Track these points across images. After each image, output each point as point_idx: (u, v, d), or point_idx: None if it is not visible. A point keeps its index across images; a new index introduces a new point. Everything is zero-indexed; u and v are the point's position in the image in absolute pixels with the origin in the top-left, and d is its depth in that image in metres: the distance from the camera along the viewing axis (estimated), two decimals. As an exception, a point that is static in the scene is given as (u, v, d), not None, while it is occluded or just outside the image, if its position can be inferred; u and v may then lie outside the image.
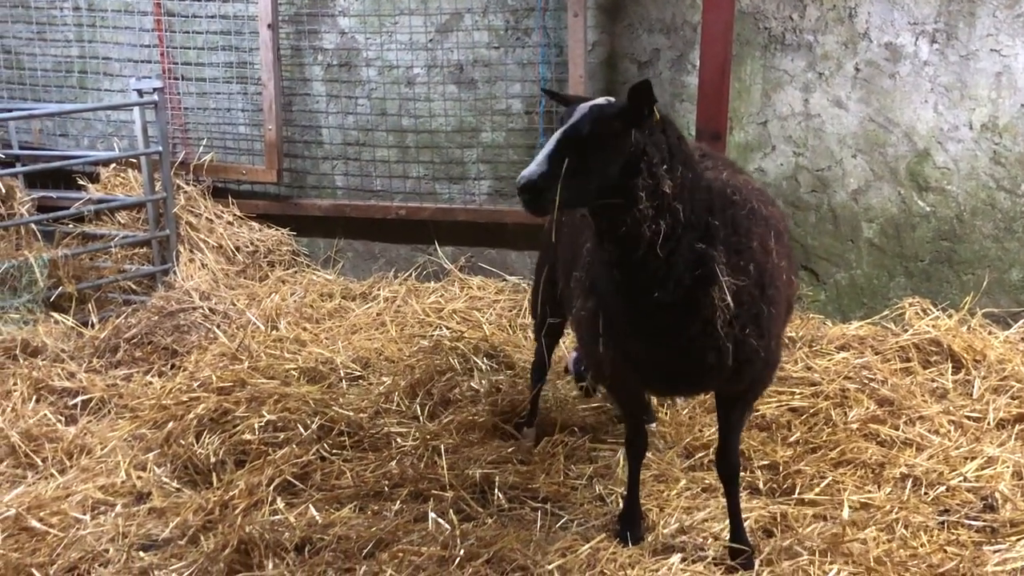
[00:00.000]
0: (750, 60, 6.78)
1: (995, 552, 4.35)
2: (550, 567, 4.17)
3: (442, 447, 5.23)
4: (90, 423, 5.77)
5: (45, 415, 5.73)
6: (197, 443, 5.29)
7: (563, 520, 4.63)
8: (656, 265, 3.61)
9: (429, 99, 7.57)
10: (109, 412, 5.89)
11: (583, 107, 3.64)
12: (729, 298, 3.69)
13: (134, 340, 6.49)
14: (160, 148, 7.18)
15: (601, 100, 3.73)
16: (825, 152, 6.76)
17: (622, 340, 3.91)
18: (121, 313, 6.82)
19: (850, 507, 4.75)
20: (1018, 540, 4.43)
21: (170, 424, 5.49)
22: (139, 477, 5.20)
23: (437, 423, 5.59)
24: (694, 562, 4.30)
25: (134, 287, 7.42)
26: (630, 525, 4.44)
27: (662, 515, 4.66)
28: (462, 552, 4.18)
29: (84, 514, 4.87)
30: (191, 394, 5.72)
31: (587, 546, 4.33)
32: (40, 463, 5.36)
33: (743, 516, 4.54)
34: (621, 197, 3.54)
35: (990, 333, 6.36)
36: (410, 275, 7.81)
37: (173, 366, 6.34)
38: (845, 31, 6.58)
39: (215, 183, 7.96)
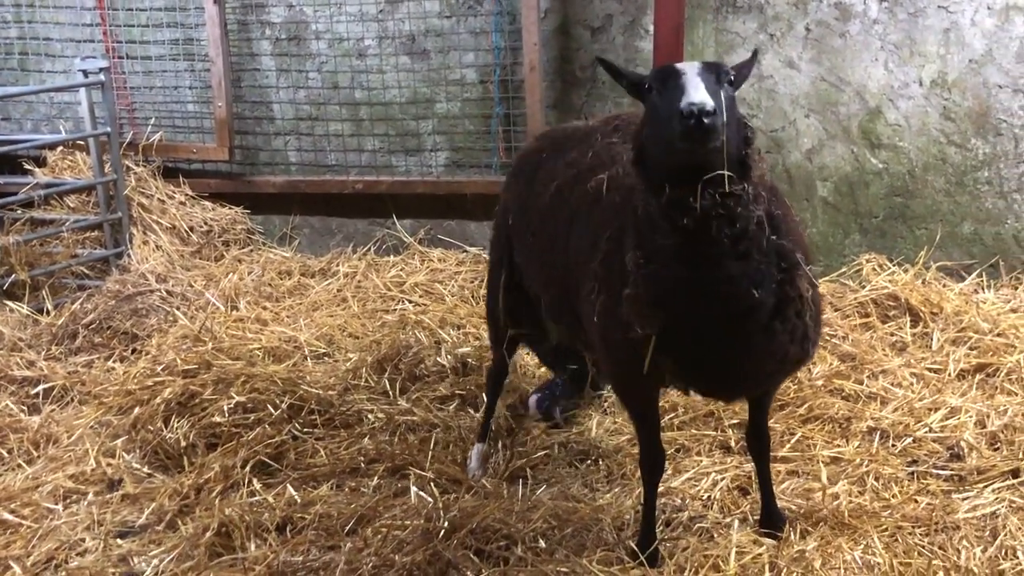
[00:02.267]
0: (702, 23, 6.80)
1: (964, 500, 4.47)
2: (533, 534, 4.22)
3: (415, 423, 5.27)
4: (53, 412, 5.69)
5: (7, 405, 5.64)
6: (166, 428, 5.22)
7: (542, 489, 4.66)
8: (757, 261, 3.40)
9: (381, 71, 7.50)
10: (72, 400, 5.81)
11: (692, 63, 3.38)
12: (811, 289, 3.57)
13: (92, 325, 6.39)
14: (108, 129, 7.04)
15: (690, 65, 3.42)
16: (778, 113, 6.82)
17: (690, 350, 3.54)
18: (76, 299, 6.71)
19: (821, 462, 4.86)
20: (985, 487, 4.55)
21: (136, 410, 5.43)
22: (109, 464, 5.15)
23: (407, 399, 5.60)
24: (677, 524, 4.35)
25: (86, 272, 7.28)
26: (646, 547, 4.05)
27: (643, 478, 4.71)
28: (446, 524, 4.19)
29: (56, 504, 4.82)
30: (156, 378, 5.64)
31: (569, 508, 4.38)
32: (5, 454, 5.27)
33: (718, 476, 4.67)
34: (736, 171, 3.30)
35: (945, 286, 6.48)
36: (369, 250, 7.75)
37: (134, 350, 6.26)
38: (795, -9, 6.64)
39: (165, 163, 7.83)
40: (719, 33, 6.80)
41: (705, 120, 3.10)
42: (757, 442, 4.22)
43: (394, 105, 7.56)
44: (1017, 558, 3.96)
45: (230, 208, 7.87)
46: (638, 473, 4.79)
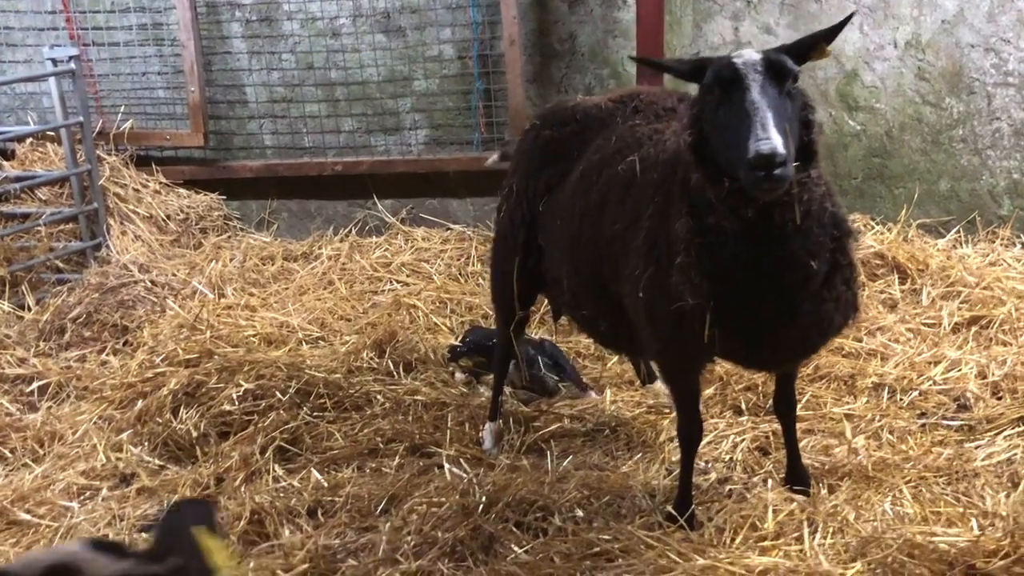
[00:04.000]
0: (680, -9, 6.85)
1: (976, 448, 4.60)
2: (569, 504, 4.25)
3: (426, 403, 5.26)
4: (52, 409, 5.56)
5: (3, 404, 5.50)
6: (175, 419, 5.15)
7: (568, 461, 4.69)
8: (816, 234, 3.43)
9: (356, 50, 7.43)
10: (69, 396, 5.69)
11: (753, 60, 3.32)
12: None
13: (80, 320, 6.26)
14: (81, 118, 6.86)
15: (753, 53, 3.38)
16: (757, 79, 6.87)
17: (739, 321, 3.53)
18: (58, 293, 6.55)
19: (838, 419, 4.96)
20: (996, 434, 4.69)
21: (140, 402, 5.35)
22: (119, 459, 5.05)
23: (412, 378, 5.59)
24: (707, 488, 4.41)
25: (62, 265, 7.11)
26: (684, 511, 4.07)
27: (671, 443, 4.76)
28: (483, 499, 4.20)
29: (71, 501, 4.73)
30: (156, 370, 5.57)
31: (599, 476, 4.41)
32: (9, 454, 5.16)
33: (737, 438, 4.75)
34: (800, 158, 3.33)
35: (926, 243, 6.63)
36: (350, 231, 7.69)
37: (126, 343, 6.15)
38: (771, -42, 6.71)
39: (137, 151, 7.66)
40: (696, 1, 6.85)
41: (776, 172, 3.11)
42: (785, 405, 4.29)
43: (371, 84, 7.50)
44: (1041, 501, 4.10)
45: (206, 195, 7.74)
46: (659, 439, 4.93)
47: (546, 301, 5.36)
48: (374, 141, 7.62)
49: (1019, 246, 6.69)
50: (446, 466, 4.56)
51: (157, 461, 5.01)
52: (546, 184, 4.48)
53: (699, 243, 3.49)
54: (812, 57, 3.49)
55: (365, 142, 7.61)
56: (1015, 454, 4.49)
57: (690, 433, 4.11)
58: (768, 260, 3.43)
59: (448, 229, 7.50)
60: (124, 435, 5.20)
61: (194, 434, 5.06)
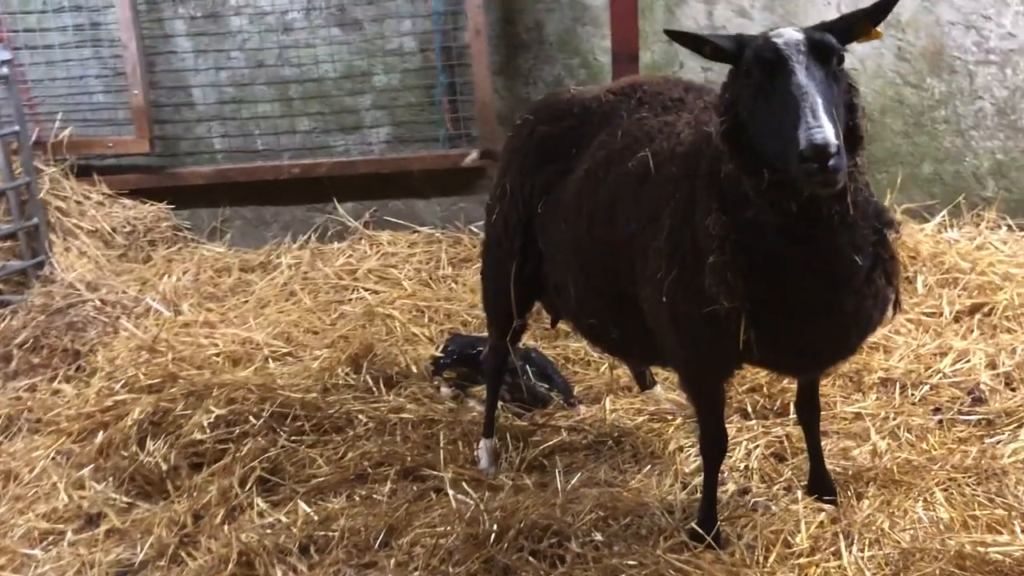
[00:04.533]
0: (650, -24, 6.57)
1: (998, 444, 4.41)
2: (586, 527, 3.94)
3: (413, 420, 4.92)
4: (3, 445, 5.12)
5: (-54, 443, 5.06)
6: (142, 451, 4.75)
7: (576, 478, 4.38)
8: (861, 227, 3.19)
9: (310, 45, 7.04)
10: (21, 430, 5.25)
11: (795, 39, 3.06)
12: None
13: (26, 345, 5.82)
14: (16, 128, 6.38)
15: (793, 31, 3.11)
16: (733, 64, 6.63)
17: (778, 323, 3.28)
18: (0, 317, 6.07)
19: (844, 418, 4.74)
20: (1018, 427, 4.51)
21: (101, 434, 4.94)
22: (82, 497, 4.64)
23: (395, 394, 5.24)
24: (728, 501, 4.13)
25: (2, 287, 6.60)
26: (710, 529, 3.80)
27: (681, 453, 4.49)
28: (494, 527, 3.88)
29: (34, 548, 4.34)
30: (116, 397, 5.17)
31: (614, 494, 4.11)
32: (-41, 498, 4.72)
33: (750, 444, 4.49)
34: (846, 145, 3.03)
35: (913, 229, 6.45)
36: (309, 238, 7.28)
37: (79, 368, 5.72)
38: (744, -62, 6.46)
39: (78, 161, 7.17)
40: (669, -15, 6.58)
41: (830, 164, 2.84)
42: (810, 410, 4.05)
43: (327, 81, 7.11)
44: (1081, 499, 3.90)
45: (153, 204, 7.27)
46: (667, 449, 4.66)
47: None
48: (332, 141, 7.23)
49: (1005, 228, 6.54)
50: (449, 492, 4.20)
51: (125, 498, 4.61)
52: (544, 183, 4.15)
53: (734, 240, 3.21)
54: (859, 38, 3.20)
55: (323, 142, 7.22)
56: (1043, 449, 4.32)
57: (715, 445, 3.83)
58: (812, 257, 3.16)
59: (415, 232, 7.15)
60: (86, 471, 4.78)
61: (163, 467, 4.66)
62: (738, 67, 3.17)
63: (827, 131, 2.83)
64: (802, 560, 3.68)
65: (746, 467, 4.41)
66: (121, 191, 7.24)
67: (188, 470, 4.67)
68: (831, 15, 6.31)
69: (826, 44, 3.04)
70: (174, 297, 6.42)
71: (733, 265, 3.20)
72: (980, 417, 4.63)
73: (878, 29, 3.22)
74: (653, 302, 3.56)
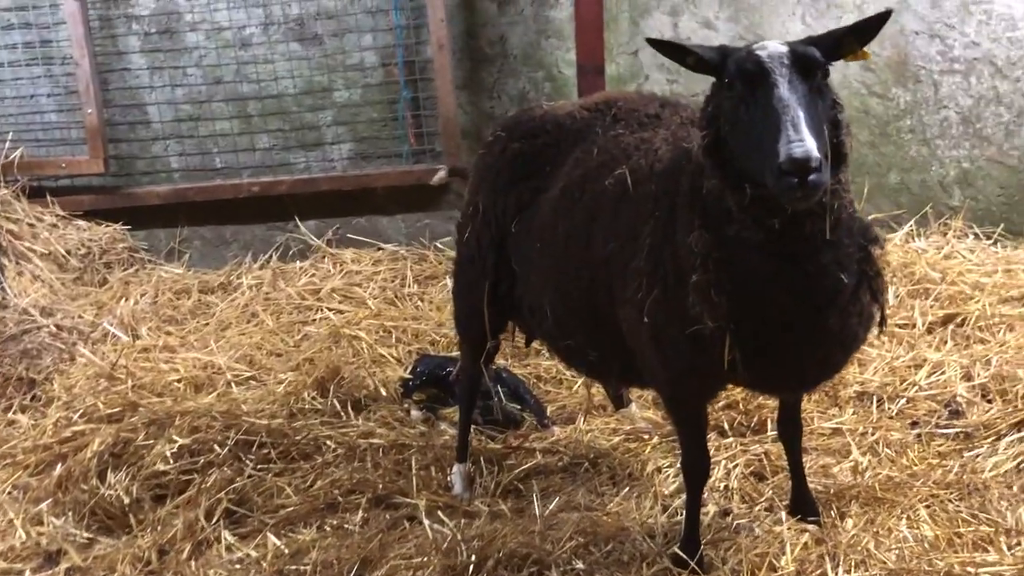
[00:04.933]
0: (614, -12, 6.50)
1: (977, 457, 4.37)
2: (567, 555, 3.83)
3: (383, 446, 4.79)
4: (-46, 481, 4.92)
5: None
6: (102, 484, 4.58)
7: (555, 501, 4.27)
8: (846, 244, 3.11)
9: (269, 61, 6.89)
10: (-26, 464, 5.04)
11: (779, 52, 2.99)
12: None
13: (-22, 375, 5.60)
14: (-36, 150, 6.20)
15: (777, 44, 3.04)
16: (699, 77, 6.48)
17: (762, 342, 3.20)
18: (-49, 346, 5.87)
19: (822, 434, 4.68)
20: (996, 441, 4.47)
21: (59, 467, 4.75)
22: (40, 534, 4.45)
23: (363, 419, 5.11)
24: (709, 522, 4.05)
25: (-51, 314, 6.40)
26: (693, 553, 3.70)
27: (659, 474, 4.41)
28: (473, 557, 3.76)
29: (-9, 591, 4.15)
30: (74, 428, 4.98)
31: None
32: (-91, 540, 4.51)
33: (729, 463, 4.41)
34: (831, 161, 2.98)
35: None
36: (271, 257, 7.13)
37: (35, 397, 5.53)
38: (708, -51, 6.42)
39: (30, 182, 6.95)
40: (633, -4, 6.53)
41: (810, 179, 2.76)
42: (792, 428, 3.98)
43: (286, 97, 6.97)
44: (1065, 514, 3.86)
45: (108, 225, 7.08)
46: (645, 470, 4.56)
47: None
48: (293, 158, 7.08)
49: (972, 237, 6.54)
50: (425, 521, 4.08)
51: (85, 534, 4.41)
52: (517, 202, 4.05)
53: (717, 258, 3.12)
54: (846, 56, 3.13)
55: (283, 159, 7.07)
56: (1022, 461, 4.27)
57: (697, 467, 3.73)
58: (797, 275, 3.08)
59: (379, 249, 7.01)
60: (44, 505, 4.57)
61: (125, 500, 4.47)
62: (721, 79, 3.09)
63: (808, 145, 2.76)
64: (788, 584, 3.61)
65: (726, 487, 4.32)
66: (75, 212, 7.05)
67: (151, 503, 4.50)
68: (795, 27, 6.40)
69: (810, 58, 2.97)
70: (132, 321, 6.25)
71: (717, 283, 3.11)
72: (958, 430, 4.59)
73: (866, 50, 3.15)
74: (633, 323, 3.46)
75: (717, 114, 3.10)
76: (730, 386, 3.75)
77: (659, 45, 3.25)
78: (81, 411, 5.08)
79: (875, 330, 3.49)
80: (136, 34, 6.96)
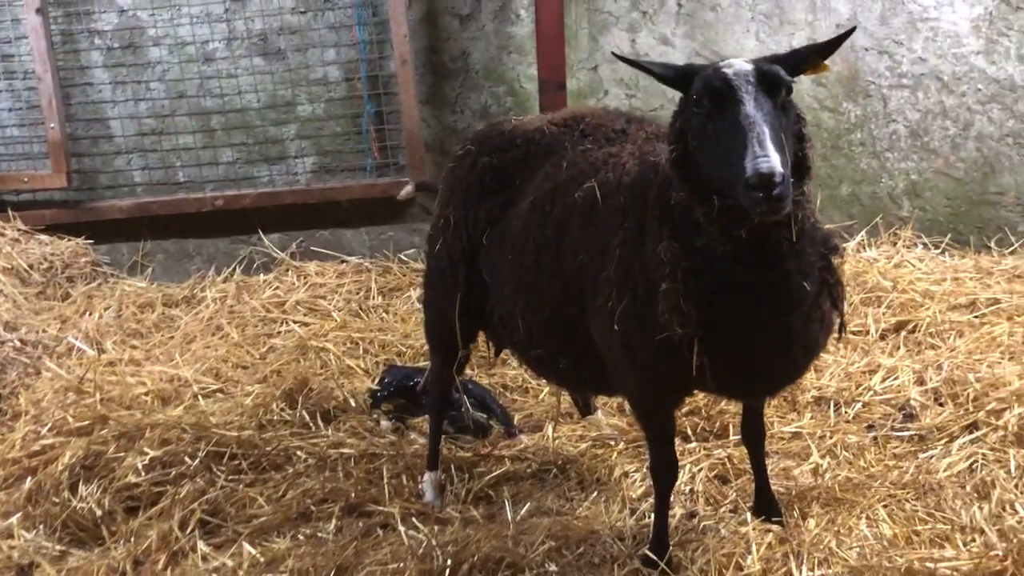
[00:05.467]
0: (574, 4, 6.62)
1: (931, 459, 4.52)
2: (540, 558, 3.92)
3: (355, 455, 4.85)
4: (-79, 497, 4.89)
5: None
6: (74, 496, 4.59)
7: (525, 506, 4.36)
8: (809, 254, 3.24)
9: (233, 75, 6.93)
10: (-59, 479, 5.02)
11: (744, 70, 3.08)
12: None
13: (-58, 391, 5.57)
14: (-74, 164, 6.17)
15: (743, 63, 3.14)
16: (656, 91, 6.74)
17: (728, 349, 3.32)
18: (-88, 362, 5.83)
19: (781, 438, 4.82)
20: (949, 443, 4.62)
21: (29, 480, 4.74)
22: (12, 547, 4.44)
23: (333, 429, 5.17)
24: (676, 525, 4.16)
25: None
26: (663, 554, 3.82)
27: (626, 479, 4.51)
28: (448, 561, 3.84)
29: (-37, 605, 4.14)
30: (43, 441, 4.96)
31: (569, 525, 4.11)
32: None
33: (694, 467, 4.54)
34: (794, 174, 3.08)
35: (834, 249, 6.61)
36: (234, 270, 7.15)
37: (1, 412, 5.49)
38: (664, -33, 6.58)
39: (-10, 197, 6.95)
40: (592, 14, 6.65)
41: (775, 192, 2.87)
42: (755, 432, 4.12)
43: (250, 111, 7.00)
44: (1016, 511, 4.01)
45: (70, 240, 7.06)
46: (613, 475, 4.67)
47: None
48: (256, 172, 7.12)
49: (920, 247, 6.76)
50: (400, 528, 4.15)
51: (58, 546, 4.42)
52: (488, 215, 4.14)
53: (685, 267, 3.24)
54: (807, 71, 3.27)
55: (247, 173, 7.10)
56: (975, 462, 4.43)
57: (666, 471, 3.84)
58: (762, 283, 3.21)
59: (343, 262, 7.07)
60: (14, 519, 4.55)
61: (98, 512, 4.49)
62: (688, 96, 3.20)
63: (773, 160, 2.87)
64: (755, 582, 3.73)
65: (691, 490, 4.44)
66: (37, 227, 7.03)
67: (123, 515, 4.51)
68: (750, 44, 6.58)
69: (774, 75, 3.08)
70: (97, 335, 6.24)
71: (685, 292, 3.23)
72: (913, 433, 4.74)
73: (826, 63, 3.29)
74: (604, 331, 3.57)
75: (685, 129, 3.21)
76: (695, 392, 3.86)
77: (631, 62, 3.36)
78: (50, 424, 5.05)
79: (834, 336, 3.63)
80: (99, 49, 6.96)
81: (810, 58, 3.23)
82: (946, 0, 6.55)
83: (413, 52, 6.70)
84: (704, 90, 3.10)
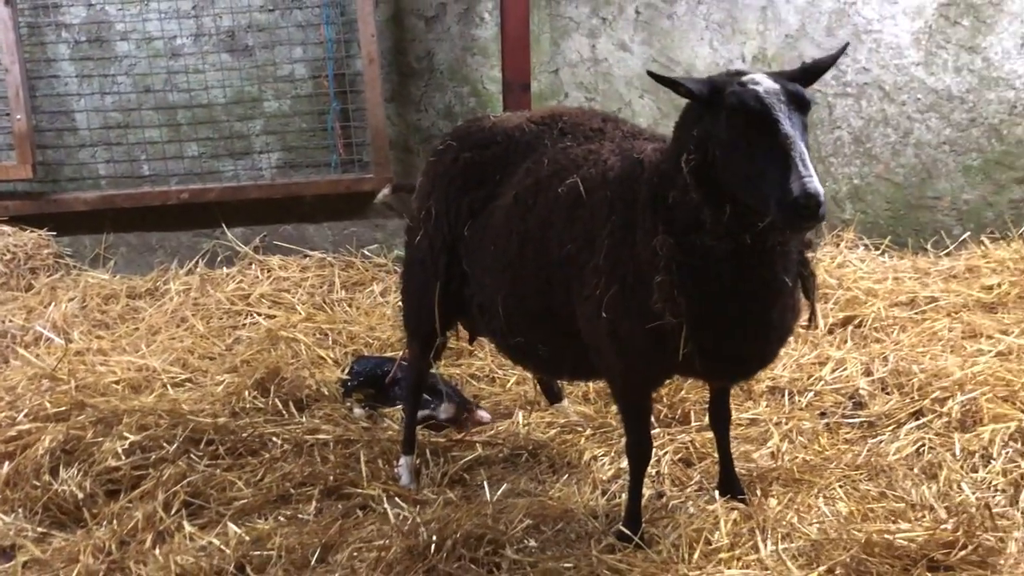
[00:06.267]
0: (536, 9, 6.83)
1: (880, 443, 4.80)
2: (520, 535, 4.11)
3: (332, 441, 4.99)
4: (-102, 483, 4.91)
5: None
6: (55, 480, 4.66)
7: (501, 488, 4.55)
8: (791, 252, 3.50)
9: (199, 71, 6.98)
10: (-84, 466, 5.03)
11: (774, 88, 3.23)
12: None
13: (-89, 378, 5.57)
14: None
15: (768, 80, 3.29)
16: (615, 95, 6.98)
17: (714, 336, 3.52)
18: None
19: (740, 424, 5.07)
20: (897, 428, 4.90)
21: (7, 465, 4.80)
22: (-7, 531, 4.52)
23: (308, 416, 5.30)
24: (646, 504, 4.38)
25: None
26: (636, 529, 4.04)
27: (596, 463, 4.72)
28: (434, 538, 4.01)
29: (-53, 589, 4.19)
30: (20, 427, 5.02)
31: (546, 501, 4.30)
32: None
33: (659, 451, 4.76)
34: None
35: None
36: (197, 263, 7.21)
37: (-28, 399, 5.51)
38: (624, -25, 6.82)
39: (-48, 188, 6.92)
40: (554, 19, 6.87)
41: (821, 211, 3.04)
42: (722, 415, 4.34)
43: (216, 107, 7.08)
44: (962, 490, 4.30)
45: (32, 231, 7.06)
46: (583, 459, 4.87)
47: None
48: (221, 167, 7.19)
49: (862, 247, 7.09)
50: (386, 506, 4.31)
51: (39, 528, 4.49)
52: (469, 208, 4.32)
53: (680, 261, 3.45)
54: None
55: (211, 168, 7.17)
56: (922, 446, 4.72)
57: (642, 451, 4.07)
58: (752, 278, 3.44)
59: (306, 256, 7.18)
60: (-7, 503, 4.65)
61: (79, 495, 4.57)
62: (713, 108, 3.31)
63: (816, 181, 3.04)
64: (724, 555, 3.93)
65: (658, 472, 4.66)
66: (0, 218, 7.01)
67: (105, 497, 4.61)
68: (703, 51, 6.87)
69: (800, 95, 3.27)
70: (64, 325, 6.28)
71: (680, 284, 3.44)
72: (862, 420, 5.02)
73: None
74: (591, 318, 3.77)
75: (704, 138, 3.34)
76: (674, 375, 4.08)
77: (658, 79, 3.46)
78: (26, 411, 5.12)
79: (803, 324, 3.90)
80: (66, 42, 6.98)
81: (819, 74, 3.46)
82: (889, 13, 6.89)
83: (381, 50, 6.84)
84: (739, 106, 3.22)
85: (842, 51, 3.61)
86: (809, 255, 3.72)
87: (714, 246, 3.39)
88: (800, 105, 3.26)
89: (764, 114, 3.17)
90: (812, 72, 3.49)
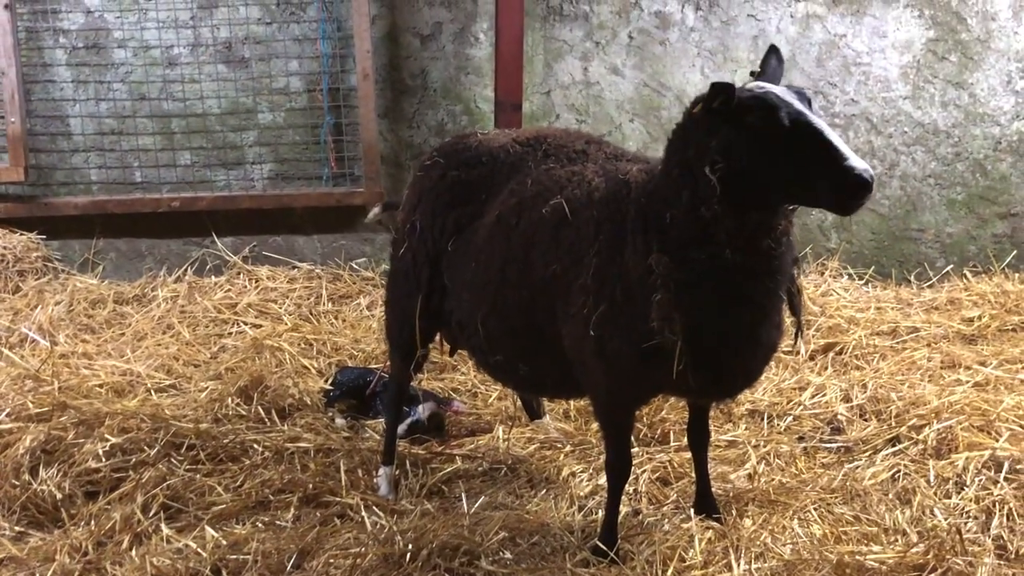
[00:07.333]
0: (531, 31, 6.92)
1: (857, 468, 4.85)
2: (496, 546, 4.13)
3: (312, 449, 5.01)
4: None
5: None
6: (34, 480, 4.67)
7: (479, 501, 4.58)
8: (787, 265, 3.57)
9: (195, 80, 7.04)
10: None
11: (791, 90, 3.37)
12: None
13: None
14: None
15: (774, 86, 3.40)
16: (605, 118, 7.06)
17: (707, 353, 3.55)
18: None
19: (718, 445, 5.11)
20: (874, 454, 4.95)
21: (-13, 465, 4.82)
22: (-30, 530, 4.52)
23: (290, 424, 5.33)
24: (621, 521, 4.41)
25: None
26: (612, 545, 4.06)
27: (574, 479, 4.75)
28: (410, 547, 4.03)
29: (-77, 583, 4.19)
30: (1, 426, 5.03)
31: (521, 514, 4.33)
32: None
33: (637, 469, 4.79)
34: None
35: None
36: (186, 271, 7.24)
37: (-44, 398, 5.53)
38: (618, 1, 6.89)
39: (-57, 190, 6.95)
40: (547, 41, 6.95)
41: (873, 184, 3.17)
42: (701, 435, 4.37)
43: (210, 116, 7.13)
44: (935, 516, 4.35)
45: (22, 234, 7.09)
46: (561, 475, 4.91)
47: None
48: (213, 176, 7.23)
49: (846, 277, 7.17)
50: (363, 515, 4.33)
51: (16, 527, 4.50)
52: (455, 224, 4.36)
53: (678, 279, 3.49)
54: None
55: (203, 177, 7.21)
56: (897, 472, 4.76)
57: (622, 468, 4.10)
58: (750, 293, 3.50)
59: (295, 267, 7.22)
60: (-30, 502, 4.66)
61: (58, 495, 4.58)
62: (735, 118, 3.32)
63: (863, 162, 3.17)
64: (697, 573, 3.96)
65: (635, 490, 4.69)
66: (-10, 221, 7.06)
67: (83, 498, 4.61)
68: (695, 77, 6.95)
69: (803, 92, 3.40)
70: (50, 328, 6.30)
71: (677, 302, 3.48)
72: (840, 444, 5.06)
73: None
74: (577, 337, 3.80)
75: (729, 147, 3.33)
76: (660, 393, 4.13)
77: (717, 87, 3.36)
78: (8, 410, 5.14)
79: (789, 343, 3.95)
80: (63, 47, 7.03)
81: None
82: (878, 47, 6.99)
83: (376, 67, 6.91)
84: (765, 106, 3.27)
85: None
86: (797, 272, 3.78)
87: (717, 259, 3.42)
88: (808, 102, 3.37)
89: (792, 110, 3.26)
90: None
